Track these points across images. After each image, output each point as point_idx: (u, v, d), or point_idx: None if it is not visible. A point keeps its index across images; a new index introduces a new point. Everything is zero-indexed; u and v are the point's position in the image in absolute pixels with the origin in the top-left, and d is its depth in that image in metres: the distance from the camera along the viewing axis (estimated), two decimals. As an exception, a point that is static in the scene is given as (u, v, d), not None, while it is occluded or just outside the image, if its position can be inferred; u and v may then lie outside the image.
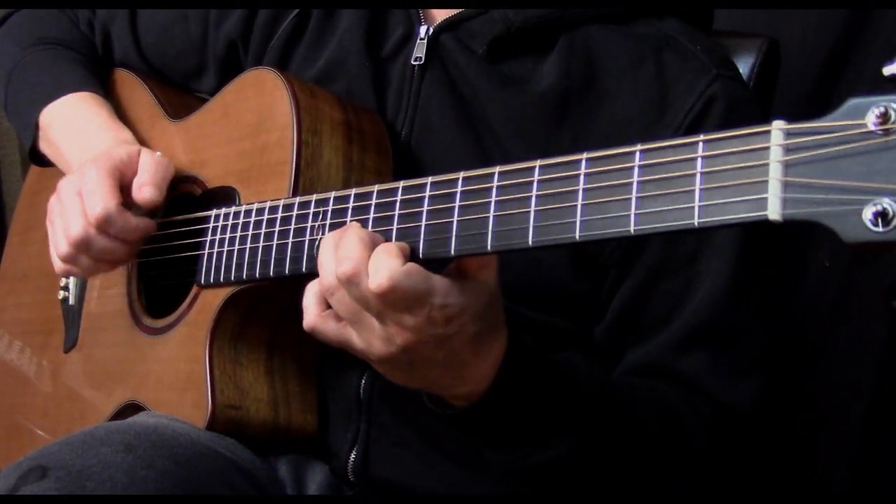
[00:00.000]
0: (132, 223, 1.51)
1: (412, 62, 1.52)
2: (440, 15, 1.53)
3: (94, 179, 1.50)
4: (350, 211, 1.25)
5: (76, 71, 1.76)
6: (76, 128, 1.69)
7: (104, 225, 1.49)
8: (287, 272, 1.33)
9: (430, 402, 1.28)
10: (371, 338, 1.17)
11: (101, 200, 1.48)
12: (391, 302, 1.12)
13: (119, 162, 1.54)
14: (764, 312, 1.46)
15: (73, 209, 1.50)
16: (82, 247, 1.51)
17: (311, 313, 1.22)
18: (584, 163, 1.05)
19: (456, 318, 1.14)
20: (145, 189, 1.52)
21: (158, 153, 1.62)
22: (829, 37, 2.09)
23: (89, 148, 1.63)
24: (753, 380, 1.42)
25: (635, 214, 1.00)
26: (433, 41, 1.52)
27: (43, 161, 1.78)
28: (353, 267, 1.12)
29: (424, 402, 1.28)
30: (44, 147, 1.75)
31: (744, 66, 1.70)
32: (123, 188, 1.53)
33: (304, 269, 1.31)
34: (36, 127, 1.73)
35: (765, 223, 0.93)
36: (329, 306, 1.20)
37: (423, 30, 1.52)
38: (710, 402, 1.40)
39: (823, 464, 2.07)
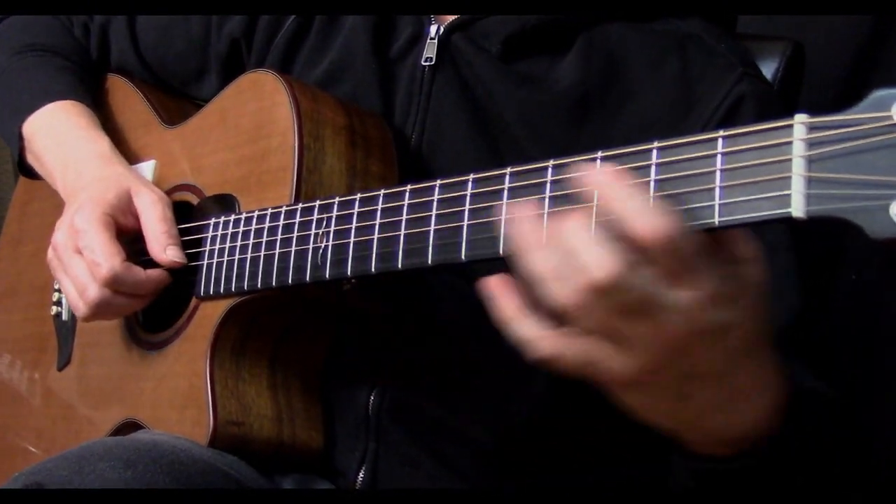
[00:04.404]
0: (141, 278, 1.51)
1: (422, 63, 1.52)
2: (451, 14, 1.53)
3: (92, 238, 1.50)
4: (355, 216, 1.26)
5: (62, 79, 1.77)
6: (55, 139, 1.69)
7: (114, 285, 1.49)
8: (290, 282, 1.34)
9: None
10: (634, 340, 0.96)
11: (106, 261, 1.48)
12: (671, 256, 0.93)
13: (108, 207, 1.53)
14: (825, 309, 1.44)
15: (80, 271, 1.51)
16: (102, 308, 1.51)
17: (546, 341, 0.99)
18: (599, 162, 1.05)
19: (741, 296, 0.96)
20: (170, 251, 1.51)
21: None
22: (855, 40, 2.09)
23: (67, 161, 1.65)
24: (834, 382, 1.35)
25: (654, 214, 1.01)
26: (444, 41, 1.52)
27: (33, 172, 1.78)
28: (615, 269, 0.92)
29: (678, 461, 1.12)
30: (30, 159, 1.75)
31: (767, 70, 1.70)
32: (120, 232, 1.53)
33: (307, 279, 1.32)
34: (20, 137, 1.74)
35: (788, 221, 0.93)
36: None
37: (433, 29, 1.53)
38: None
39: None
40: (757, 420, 1.06)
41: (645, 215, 0.92)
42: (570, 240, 0.95)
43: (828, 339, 1.43)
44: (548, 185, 1.08)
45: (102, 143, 1.68)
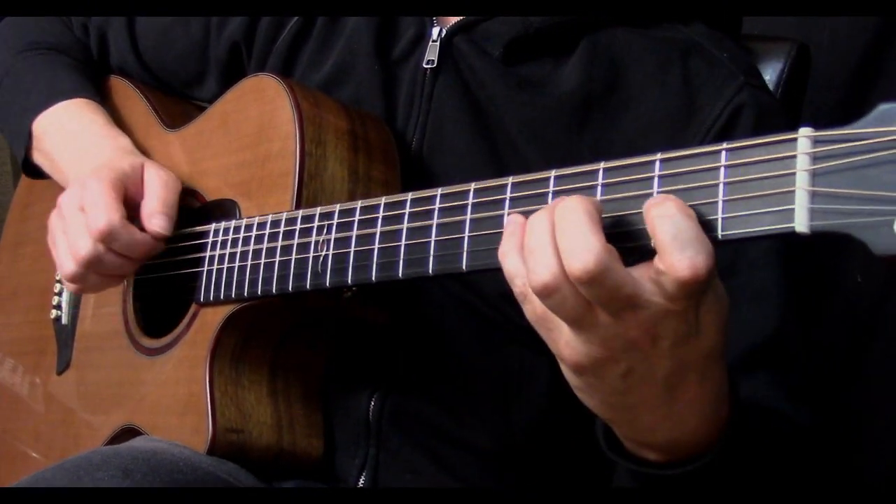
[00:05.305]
0: (137, 238, 1.49)
1: (424, 65, 1.52)
2: (454, 16, 1.53)
3: (96, 192, 1.48)
4: (356, 224, 1.26)
5: (71, 77, 1.76)
6: (71, 137, 1.68)
7: (108, 239, 1.47)
8: (290, 289, 1.34)
9: (606, 439, 1.14)
10: (592, 336, 0.99)
11: (104, 214, 1.46)
12: None
13: (122, 174, 1.53)
14: (808, 329, 1.42)
15: (78, 226, 1.49)
16: (92, 265, 1.49)
17: (519, 280, 1.00)
18: (601, 173, 1.04)
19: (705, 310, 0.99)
20: (155, 220, 1.50)
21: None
22: (861, 41, 2.09)
23: (86, 158, 1.63)
24: (810, 402, 1.37)
25: (655, 227, 1.01)
26: (446, 43, 1.52)
27: (36, 172, 1.78)
28: (597, 262, 0.93)
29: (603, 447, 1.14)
30: (38, 158, 1.74)
31: (772, 71, 1.70)
32: (128, 202, 1.52)
33: (308, 286, 1.32)
34: (29, 136, 1.72)
35: (792, 236, 0.93)
36: None
37: (435, 31, 1.52)
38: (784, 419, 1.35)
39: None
40: (694, 431, 1.08)
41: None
42: (560, 224, 0.96)
43: (812, 358, 1.43)
44: (549, 196, 1.08)
45: (123, 139, 1.67)
